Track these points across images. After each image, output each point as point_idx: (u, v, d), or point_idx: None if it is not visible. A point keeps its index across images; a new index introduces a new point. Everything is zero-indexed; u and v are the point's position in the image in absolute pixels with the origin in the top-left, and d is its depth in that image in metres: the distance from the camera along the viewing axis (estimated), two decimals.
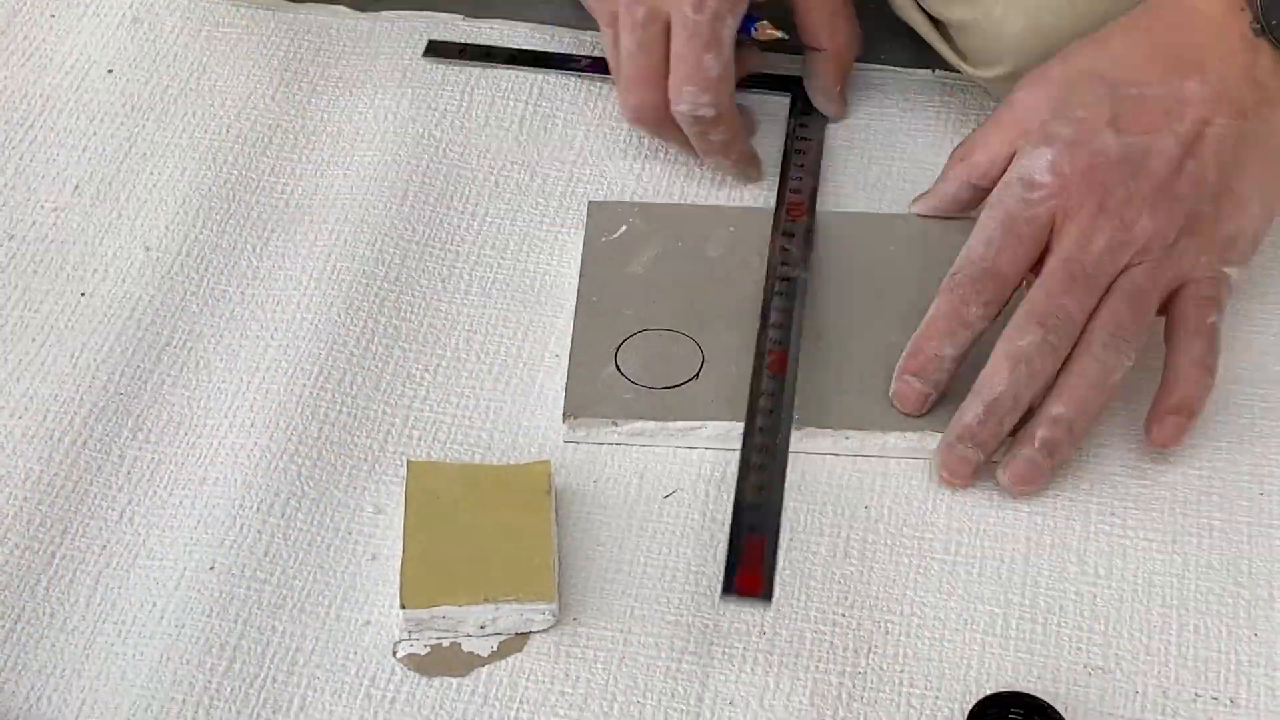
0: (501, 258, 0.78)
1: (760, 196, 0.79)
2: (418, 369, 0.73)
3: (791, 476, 0.69)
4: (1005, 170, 0.70)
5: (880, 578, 0.66)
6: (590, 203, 0.77)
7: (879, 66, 0.85)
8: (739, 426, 0.68)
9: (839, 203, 0.79)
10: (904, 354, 0.69)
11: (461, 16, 0.88)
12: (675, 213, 0.77)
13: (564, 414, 0.70)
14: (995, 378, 0.66)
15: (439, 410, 0.72)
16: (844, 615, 0.65)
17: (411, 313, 0.75)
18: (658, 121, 0.77)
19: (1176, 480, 0.69)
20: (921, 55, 0.84)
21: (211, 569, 0.66)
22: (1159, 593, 0.65)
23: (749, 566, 0.63)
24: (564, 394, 0.70)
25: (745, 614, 0.65)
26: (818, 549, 0.67)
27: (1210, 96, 0.68)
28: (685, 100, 0.75)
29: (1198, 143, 0.68)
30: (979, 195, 0.72)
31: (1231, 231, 0.69)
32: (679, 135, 0.78)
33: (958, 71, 0.81)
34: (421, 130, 0.82)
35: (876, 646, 0.64)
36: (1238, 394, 0.71)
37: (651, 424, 0.69)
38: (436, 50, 0.85)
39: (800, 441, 0.68)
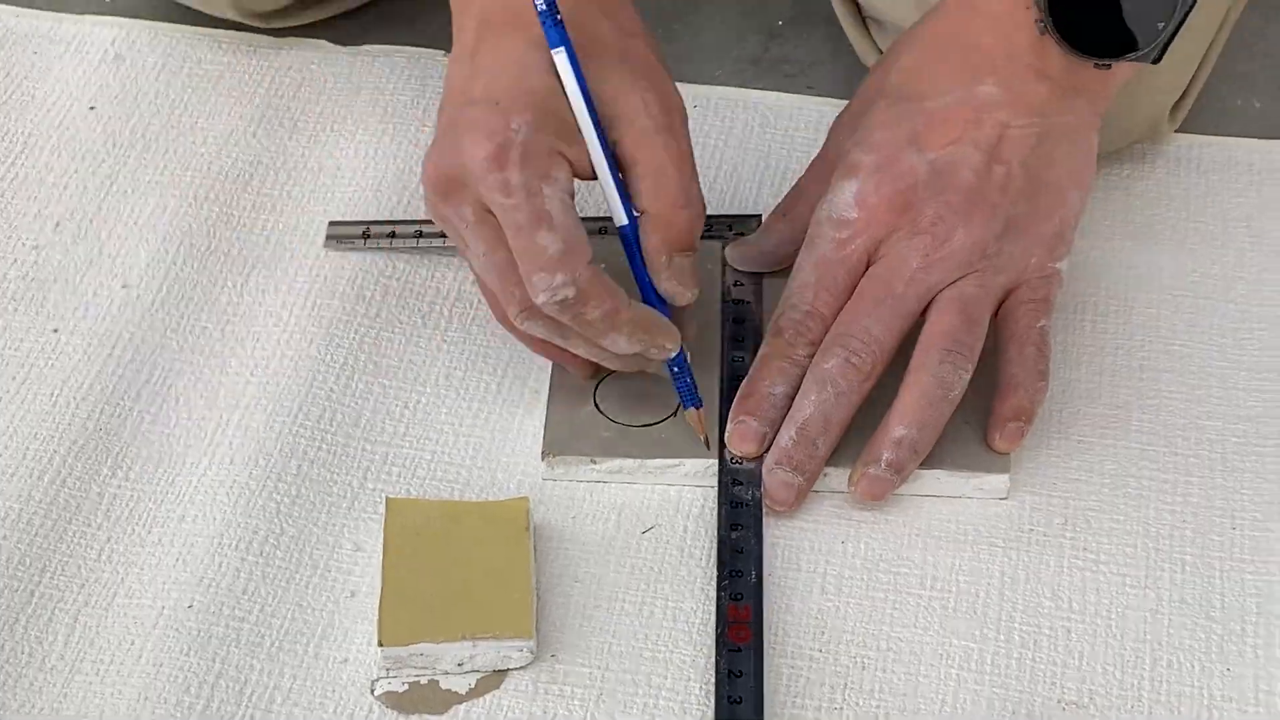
0: (481, 296, 0.78)
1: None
2: (397, 406, 0.74)
3: (767, 513, 0.69)
4: None
5: (856, 613, 0.66)
6: None
7: None
8: (715, 463, 0.69)
9: None
10: (738, 396, 0.69)
11: (443, 53, 0.88)
12: None
13: (543, 452, 0.70)
14: (804, 401, 0.67)
15: (418, 447, 0.72)
16: (820, 651, 0.65)
17: (391, 349, 0.76)
18: (506, 321, 0.69)
19: (1149, 516, 0.69)
20: None
21: (190, 607, 0.66)
22: (1133, 628, 0.66)
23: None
24: (543, 432, 0.70)
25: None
26: (794, 584, 0.67)
27: (1006, 99, 0.68)
28: (540, 290, 0.64)
29: (1001, 146, 0.68)
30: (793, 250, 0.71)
31: (1056, 226, 0.69)
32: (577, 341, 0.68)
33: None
34: (402, 166, 0.83)
35: (853, 682, 0.64)
36: (1210, 430, 0.72)
37: (630, 462, 0.70)
38: (337, 237, 0.79)
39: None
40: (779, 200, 0.76)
